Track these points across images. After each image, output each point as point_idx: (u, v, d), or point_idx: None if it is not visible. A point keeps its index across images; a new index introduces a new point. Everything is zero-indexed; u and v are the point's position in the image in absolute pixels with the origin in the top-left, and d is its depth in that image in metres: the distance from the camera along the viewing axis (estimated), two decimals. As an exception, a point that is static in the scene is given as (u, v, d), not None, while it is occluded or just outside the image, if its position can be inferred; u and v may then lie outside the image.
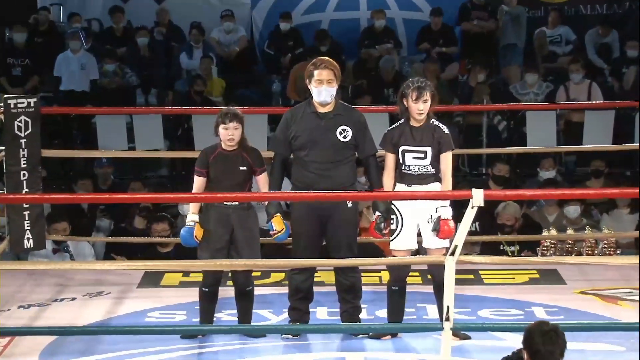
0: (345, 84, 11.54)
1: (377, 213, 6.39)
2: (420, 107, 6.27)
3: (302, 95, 9.12)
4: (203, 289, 6.53)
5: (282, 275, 7.58)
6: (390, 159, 6.36)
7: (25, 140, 7.37)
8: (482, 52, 12.72)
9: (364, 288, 6.66)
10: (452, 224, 6.16)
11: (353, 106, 6.78)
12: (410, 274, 6.56)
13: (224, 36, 13.26)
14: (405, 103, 6.30)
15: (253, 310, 6.58)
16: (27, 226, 7.37)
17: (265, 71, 13.41)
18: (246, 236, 6.42)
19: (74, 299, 7.39)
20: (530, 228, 9.00)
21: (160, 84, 12.69)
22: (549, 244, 8.50)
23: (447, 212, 6.20)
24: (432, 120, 6.34)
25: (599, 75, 12.46)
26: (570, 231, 8.87)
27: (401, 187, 6.32)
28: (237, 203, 6.36)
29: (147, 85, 12.64)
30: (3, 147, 7.37)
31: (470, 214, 5.35)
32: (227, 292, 6.74)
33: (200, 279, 6.63)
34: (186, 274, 7.82)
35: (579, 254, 8.51)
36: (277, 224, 6.43)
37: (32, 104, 7.40)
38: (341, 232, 6.45)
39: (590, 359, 6.07)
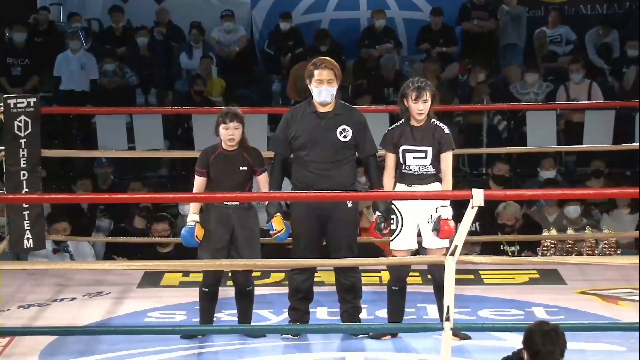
0: (345, 84, 11.54)
1: (377, 213, 6.38)
2: (420, 107, 6.26)
3: (302, 95, 9.11)
4: (203, 289, 6.53)
5: (282, 275, 7.58)
6: (390, 158, 6.35)
7: (25, 140, 7.37)
8: (483, 52, 12.72)
9: (364, 288, 6.66)
10: (452, 223, 6.15)
11: (353, 106, 6.78)
12: (411, 274, 6.55)
13: (224, 36, 13.26)
14: (405, 103, 6.30)
15: (253, 310, 6.58)
16: (27, 226, 7.37)
17: (265, 71, 13.41)
18: (246, 236, 6.41)
19: (73, 299, 7.38)
20: (531, 228, 9.00)
21: (160, 84, 12.68)
22: (549, 244, 8.49)
23: (447, 212, 6.19)
24: (433, 120, 6.33)
25: (599, 75, 12.46)
26: (570, 231, 8.86)
27: (401, 187, 6.31)
28: (237, 203, 6.36)
29: (147, 85, 12.64)
30: (3, 147, 7.37)
31: (470, 214, 5.35)
32: (227, 292, 6.74)
33: (200, 279, 6.62)
34: (186, 274, 7.82)
35: (579, 254, 8.50)
36: (277, 223, 6.42)
37: (31, 104, 7.40)
38: (341, 232, 6.45)
39: (590, 359, 6.07)
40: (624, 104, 10.74)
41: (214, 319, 6.61)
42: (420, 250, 6.49)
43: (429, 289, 6.52)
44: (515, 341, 5.11)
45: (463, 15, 13.35)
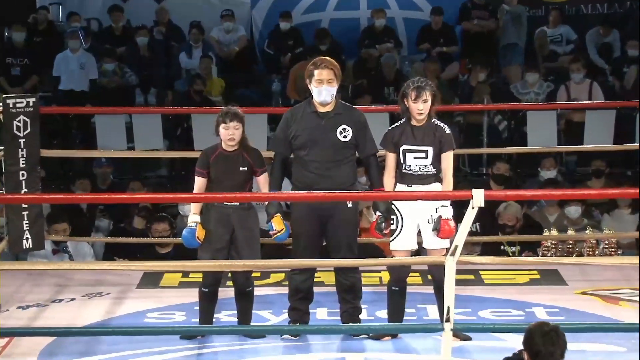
0: (346, 84, 11.52)
1: (378, 213, 6.37)
2: (420, 107, 6.25)
3: (302, 94, 9.11)
4: (203, 289, 6.52)
5: (282, 275, 7.57)
6: (390, 158, 6.34)
7: (24, 140, 7.35)
8: (483, 52, 12.70)
9: (364, 288, 6.65)
10: (452, 223, 6.14)
11: (353, 106, 6.76)
12: (411, 274, 6.54)
13: (224, 36, 13.25)
14: (405, 103, 6.28)
15: (253, 311, 6.57)
16: (26, 226, 7.35)
17: (265, 71, 13.40)
18: (246, 236, 6.40)
19: (73, 299, 7.37)
20: (531, 228, 8.99)
21: (160, 84, 12.66)
22: (549, 244, 8.48)
23: (447, 212, 6.18)
24: (434, 119, 6.32)
25: (600, 75, 12.45)
26: (571, 231, 8.85)
27: (401, 188, 6.30)
28: (237, 203, 6.35)
29: (147, 85, 12.62)
30: (2, 147, 7.35)
31: (470, 215, 5.33)
32: (226, 292, 6.73)
33: (200, 279, 6.61)
34: (186, 274, 7.81)
35: (580, 254, 8.49)
36: (277, 224, 6.41)
37: (31, 104, 7.38)
38: (341, 232, 6.43)
39: (590, 359, 6.05)
40: (624, 103, 10.74)
41: (214, 320, 6.60)
42: (420, 251, 6.48)
43: (429, 289, 6.50)
44: (515, 342, 5.10)
45: (463, 15, 13.34)
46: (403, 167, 6.30)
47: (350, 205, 6.44)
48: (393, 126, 6.40)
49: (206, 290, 6.50)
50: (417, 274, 7.39)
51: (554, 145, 10.71)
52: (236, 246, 6.40)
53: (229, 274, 6.68)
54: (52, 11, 13.72)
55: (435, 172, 6.29)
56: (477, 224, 8.93)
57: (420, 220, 6.29)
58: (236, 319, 6.57)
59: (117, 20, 13.15)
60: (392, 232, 6.33)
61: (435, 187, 6.28)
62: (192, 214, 6.40)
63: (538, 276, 7.74)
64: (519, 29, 12.98)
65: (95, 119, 11.40)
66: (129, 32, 13.13)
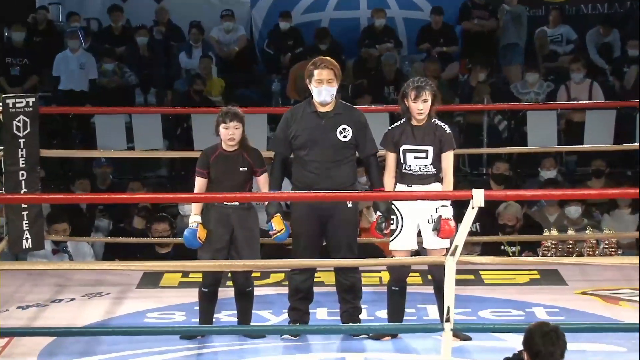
0: (346, 84, 11.52)
1: (378, 213, 6.36)
2: (419, 107, 6.24)
3: (302, 94, 9.10)
4: (202, 289, 6.51)
5: (282, 275, 7.56)
6: (391, 158, 6.33)
7: (23, 140, 7.35)
8: (483, 52, 12.70)
9: (364, 288, 6.65)
10: (452, 223, 6.13)
11: (353, 106, 6.76)
12: (411, 274, 6.54)
13: (224, 35, 13.24)
14: (406, 103, 6.28)
15: (253, 311, 6.56)
16: (26, 226, 7.34)
17: (265, 71, 13.39)
18: (246, 236, 6.39)
19: (72, 299, 7.37)
20: (531, 228, 8.98)
21: (160, 84, 12.66)
22: (549, 244, 8.48)
23: (447, 212, 6.17)
24: (434, 119, 6.31)
25: (600, 75, 12.44)
26: (571, 231, 8.85)
27: (401, 187, 6.29)
28: (237, 203, 6.34)
29: (146, 85, 12.62)
30: (2, 147, 7.35)
31: (470, 215, 5.33)
32: (226, 292, 6.72)
33: (200, 279, 6.61)
34: (185, 274, 7.80)
35: (580, 254, 8.49)
36: (277, 224, 6.41)
37: (30, 104, 7.38)
38: (341, 232, 6.43)
39: (590, 359, 6.05)
40: (624, 103, 10.73)
41: (214, 320, 6.59)
42: (420, 251, 6.47)
43: (429, 289, 6.50)
44: (515, 342, 5.10)
45: (463, 15, 13.33)
46: (403, 167, 6.30)
47: (350, 205, 6.43)
48: (393, 126, 6.40)
49: (206, 290, 6.50)
50: (417, 274, 7.39)
51: (554, 145, 10.71)
52: (236, 246, 6.39)
53: (229, 274, 6.67)
54: (52, 11, 13.71)
55: (435, 172, 6.29)
56: (477, 224, 8.92)
57: (420, 220, 6.29)
58: (236, 319, 6.57)
59: (116, 20, 13.14)
60: (392, 232, 6.33)
61: (436, 187, 6.27)
62: (193, 215, 6.40)
63: (538, 276, 7.74)
64: (519, 28, 12.98)
65: (95, 119, 11.40)
66: (128, 32, 13.12)
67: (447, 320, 5.47)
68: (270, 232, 6.47)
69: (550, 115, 11.07)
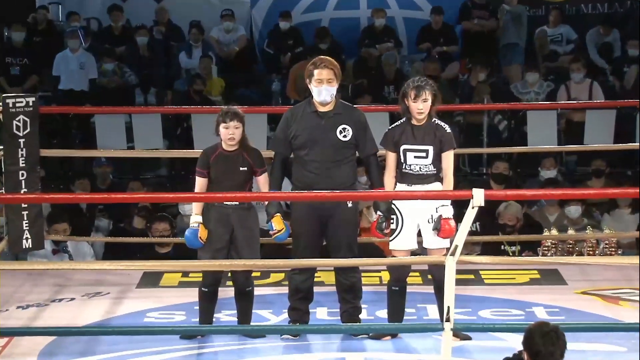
0: (346, 83, 11.52)
1: (379, 213, 6.36)
2: (419, 107, 6.24)
3: (302, 94, 9.09)
4: (202, 289, 6.51)
5: (282, 275, 7.56)
6: (391, 158, 6.33)
7: (23, 139, 7.34)
8: (483, 51, 12.70)
9: (364, 288, 6.64)
10: (453, 223, 6.13)
11: (353, 105, 6.75)
12: (411, 274, 6.54)
13: (224, 35, 13.24)
14: (406, 102, 6.28)
15: (253, 311, 6.56)
16: (26, 226, 7.34)
17: (265, 70, 13.39)
18: (246, 236, 6.39)
19: (72, 299, 7.37)
20: (531, 228, 8.98)
21: (160, 84, 12.66)
22: (549, 244, 8.47)
23: (448, 211, 6.17)
24: (434, 119, 6.31)
25: (600, 75, 12.44)
26: (571, 231, 8.84)
27: (402, 187, 6.29)
28: (237, 203, 6.34)
29: (146, 85, 12.61)
30: (1, 147, 7.34)
31: (470, 214, 5.33)
32: (226, 292, 6.72)
33: (200, 279, 6.61)
34: (185, 274, 7.80)
35: (580, 254, 8.49)
36: (277, 223, 6.41)
37: (30, 103, 7.37)
38: (341, 232, 6.43)
39: (590, 359, 6.04)
40: (624, 103, 10.72)
41: (214, 319, 6.59)
42: (420, 250, 6.47)
43: (429, 289, 6.50)
44: (515, 341, 5.09)
45: (463, 15, 13.33)
46: (403, 167, 6.29)
47: (350, 205, 6.43)
48: (393, 125, 6.40)
49: (206, 290, 6.49)
50: (417, 274, 7.38)
51: (554, 145, 10.70)
52: (236, 246, 6.39)
53: (229, 274, 6.67)
54: (52, 11, 13.70)
55: (435, 172, 6.29)
56: (477, 223, 8.92)
57: (420, 220, 6.28)
58: (236, 319, 6.56)
59: (116, 19, 13.14)
60: (393, 231, 6.32)
61: (436, 186, 6.27)
62: (194, 215, 6.40)
63: (538, 276, 7.74)
64: (519, 28, 12.98)
65: (95, 118, 11.39)
66: (128, 31, 13.12)
67: (447, 320, 5.47)
68: (271, 232, 6.46)
69: (550, 115, 11.06)
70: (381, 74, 12.33)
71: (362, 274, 6.63)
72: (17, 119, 7.30)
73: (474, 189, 5.30)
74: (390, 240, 6.35)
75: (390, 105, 10.30)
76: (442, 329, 5.51)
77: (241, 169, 6.37)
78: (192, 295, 6.91)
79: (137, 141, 10.95)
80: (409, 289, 6.50)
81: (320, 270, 7.07)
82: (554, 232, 8.69)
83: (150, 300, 7.29)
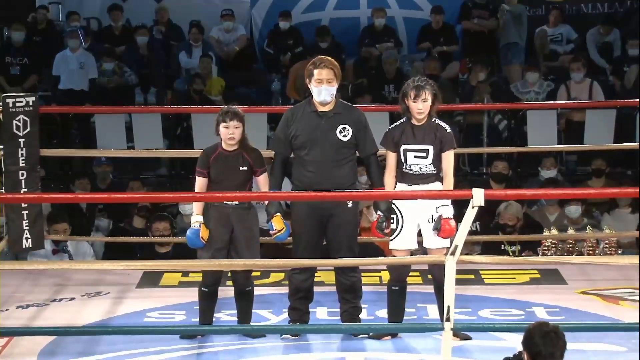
0: (346, 83, 11.52)
1: (379, 212, 6.36)
2: (419, 106, 6.24)
3: (302, 94, 9.09)
4: (202, 288, 6.51)
5: (282, 275, 7.56)
6: (391, 157, 6.33)
7: (23, 139, 7.34)
8: (483, 51, 12.70)
9: (364, 288, 6.64)
10: (453, 222, 6.13)
11: (353, 105, 6.75)
12: (411, 274, 6.54)
13: (224, 35, 13.24)
14: (406, 102, 6.28)
15: (253, 310, 6.56)
16: (26, 226, 7.34)
17: (265, 70, 13.39)
18: (246, 236, 6.39)
19: (72, 299, 7.36)
20: (531, 228, 8.98)
21: (160, 83, 12.65)
22: (550, 243, 8.47)
23: (448, 211, 6.17)
24: (434, 119, 6.31)
25: (600, 74, 12.44)
26: (571, 231, 8.84)
27: (402, 187, 6.29)
28: (237, 203, 6.34)
29: (146, 84, 12.61)
30: (1, 147, 7.34)
31: (470, 214, 5.33)
32: (226, 292, 6.72)
33: (200, 278, 6.61)
34: (185, 273, 7.80)
35: (580, 253, 8.49)
36: (277, 223, 6.41)
37: (30, 103, 7.37)
38: (341, 232, 6.42)
39: (591, 359, 6.04)
40: (625, 103, 10.72)
41: (214, 319, 6.59)
42: (420, 250, 6.47)
43: (429, 289, 6.50)
44: (515, 341, 5.09)
45: (464, 14, 13.33)
46: (403, 167, 6.29)
47: (350, 205, 6.43)
48: (393, 125, 6.40)
49: (206, 289, 6.49)
50: (417, 274, 7.39)
51: (554, 144, 10.71)
52: (236, 246, 6.39)
53: (229, 274, 6.67)
54: (52, 10, 13.69)
55: (435, 172, 6.28)
56: (477, 223, 8.92)
57: (420, 220, 6.28)
58: (236, 319, 6.56)
59: (116, 19, 13.13)
60: (393, 231, 6.32)
61: (436, 186, 6.27)
62: (195, 215, 6.40)
63: (538, 276, 7.74)
64: (519, 28, 12.97)
65: (94, 118, 11.39)
66: (128, 31, 13.11)
67: (447, 319, 5.47)
68: (271, 232, 6.46)
69: (550, 114, 11.07)
70: (381, 74, 12.33)
71: (362, 274, 6.63)
72: (17, 118, 7.30)
73: (474, 189, 5.30)
74: (391, 240, 6.34)
75: (390, 105, 10.31)
76: (442, 329, 5.52)
77: (241, 168, 6.37)
78: (192, 295, 6.91)
79: (137, 141, 10.95)
80: (409, 288, 6.50)
81: (320, 270, 7.07)
82: (554, 231, 8.68)
83: (150, 300, 7.29)
